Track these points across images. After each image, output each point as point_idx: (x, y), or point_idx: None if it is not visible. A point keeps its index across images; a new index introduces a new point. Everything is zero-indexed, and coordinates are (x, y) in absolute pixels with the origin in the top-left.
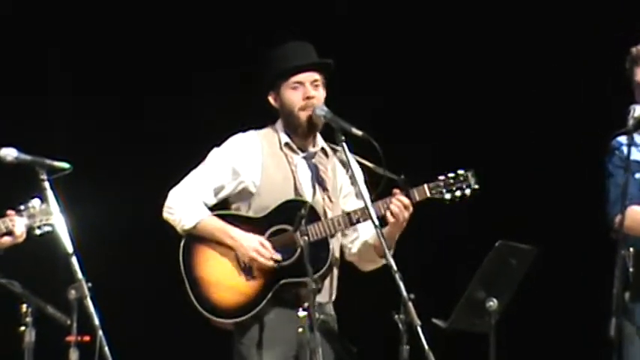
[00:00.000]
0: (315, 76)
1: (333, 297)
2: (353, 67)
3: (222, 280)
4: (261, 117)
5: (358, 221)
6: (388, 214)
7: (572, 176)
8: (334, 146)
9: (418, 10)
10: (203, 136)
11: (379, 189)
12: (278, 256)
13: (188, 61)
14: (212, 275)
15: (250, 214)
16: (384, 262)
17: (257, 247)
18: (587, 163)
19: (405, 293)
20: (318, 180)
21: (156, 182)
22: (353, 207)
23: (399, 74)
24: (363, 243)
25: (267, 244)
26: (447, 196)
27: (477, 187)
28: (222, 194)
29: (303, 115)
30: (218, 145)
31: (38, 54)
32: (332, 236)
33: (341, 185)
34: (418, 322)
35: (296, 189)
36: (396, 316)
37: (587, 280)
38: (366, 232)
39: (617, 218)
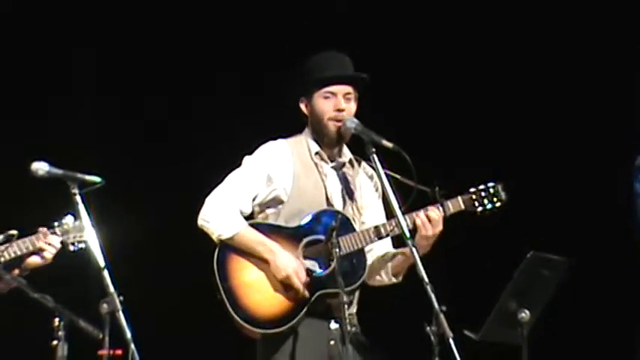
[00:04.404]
0: (349, 89)
1: (356, 308)
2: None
3: (258, 289)
4: (284, 126)
5: (387, 235)
6: (418, 221)
7: (605, 187)
8: (359, 158)
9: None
10: (235, 145)
11: (409, 201)
12: (306, 294)
13: (214, 68)
14: (248, 284)
15: (280, 222)
16: (388, 280)
17: (295, 267)
18: (619, 174)
19: (436, 305)
20: (347, 191)
21: (188, 194)
22: (372, 219)
23: (421, 88)
24: (376, 257)
25: (303, 272)
26: (479, 208)
27: (505, 199)
28: (256, 202)
29: (332, 125)
30: (250, 153)
31: (69, 73)
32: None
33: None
34: (450, 334)
35: (327, 198)
36: (428, 328)
37: (620, 291)
38: (381, 246)
39: None
